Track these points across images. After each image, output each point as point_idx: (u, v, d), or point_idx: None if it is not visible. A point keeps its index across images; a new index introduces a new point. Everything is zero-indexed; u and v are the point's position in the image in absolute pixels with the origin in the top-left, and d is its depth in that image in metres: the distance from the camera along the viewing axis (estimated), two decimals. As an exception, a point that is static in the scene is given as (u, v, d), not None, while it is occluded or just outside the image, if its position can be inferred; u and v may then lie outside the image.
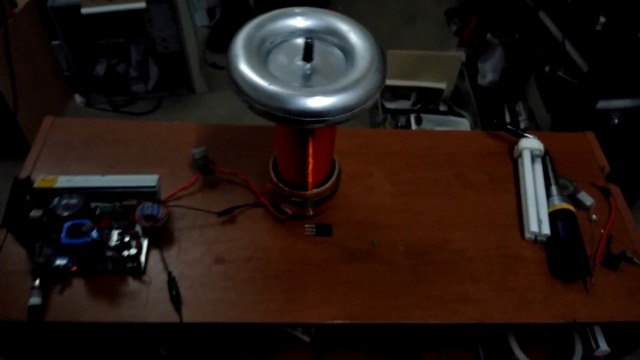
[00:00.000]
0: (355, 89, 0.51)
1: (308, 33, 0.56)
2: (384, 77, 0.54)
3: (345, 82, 0.51)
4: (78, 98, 2.21)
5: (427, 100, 2.05)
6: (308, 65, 0.54)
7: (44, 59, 2.02)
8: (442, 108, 2.04)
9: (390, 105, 2.06)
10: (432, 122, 1.94)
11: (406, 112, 2.00)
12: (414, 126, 1.90)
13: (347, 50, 0.55)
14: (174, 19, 1.99)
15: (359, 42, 0.55)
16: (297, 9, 0.56)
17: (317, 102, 0.50)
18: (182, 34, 2.04)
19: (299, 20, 0.56)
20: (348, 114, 0.51)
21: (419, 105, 2.04)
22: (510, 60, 1.97)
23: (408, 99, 2.07)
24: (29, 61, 1.89)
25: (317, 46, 0.55)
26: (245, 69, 0.51)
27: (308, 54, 0.53)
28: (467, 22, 2.37)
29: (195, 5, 2.19)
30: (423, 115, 1.94)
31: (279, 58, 0.55)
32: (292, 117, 0.50)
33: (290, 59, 0.55)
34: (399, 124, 1.98)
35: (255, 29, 0.54)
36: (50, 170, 0.73)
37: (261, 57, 0.53)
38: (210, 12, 2.35)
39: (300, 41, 0.55)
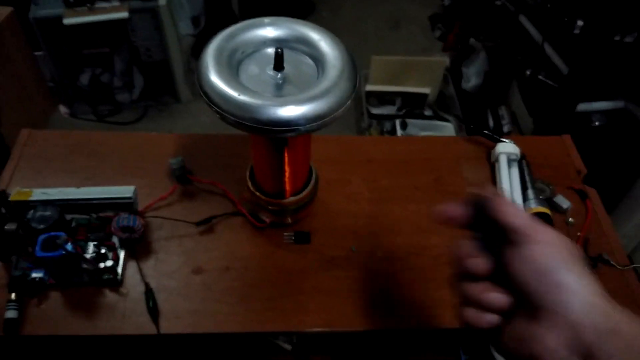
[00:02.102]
0: (326, 97, 0.51)
1: (279, 43, 0.56)
2: (354, 86, 0.54)
3: (316, 91, 0.52)
4: (62, 108, 2.21)
5: (412, 105, 2.07)
6: (279, 75, 0.54)
7: (27, 70, 2.01)
8: (427, 113, 2.06)
9: (375, 110, 2.07)
10: (417, 127, 1.95)
11: (391, 118, 2.02)
12: (399, 131, 1.91)
13: (318, 58, 0.56)
14: (158, 28, 2.00)
15: (329, 51, 0.55)
16: (266, 19, 0.57)
17: (287, 111, 0.50)
18: (166, 43, 2.04)
19: (269, 30, 0.56)
20: (319, 122, 0.51)
21: (404, 111, 2.05)
22: (493, 65, 1.99)
23: (393, 104, 2.09)
24: (12, 72, 1.89)
25: (289, 55, 0.55)
26: (215, 79, 0.51)
27: (278, 63, 0.54)
28: (451, 27, 2.39)
29: (179, 14, 2.19)
30: (408, 121, 1.95)
31: (250, 68, 0.55)
32: (263, 127, 0.50)
33: (261, 69, 0.55)
34: (385, 130, 1.99)
35: (225, 39, 0.55)
36: (27, 183, 0.72)
37: (232, 67, 0.54)
38: (195, 21, 2.36)
39: (271, 51, 0.56)
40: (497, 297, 0.40)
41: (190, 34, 2.34)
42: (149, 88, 2.24)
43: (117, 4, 1.89)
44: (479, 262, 0.41)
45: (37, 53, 2.04)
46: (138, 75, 2.19)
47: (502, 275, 0.39)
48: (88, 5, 1.87)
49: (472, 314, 0.41)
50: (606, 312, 0.36)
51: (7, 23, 1.85)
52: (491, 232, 0.41)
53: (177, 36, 2.09)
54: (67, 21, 1.85)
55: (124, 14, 1.88)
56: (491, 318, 0.40)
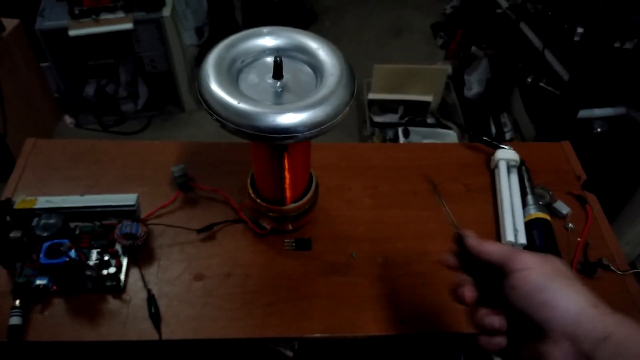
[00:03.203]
0: (324, 105, 0.52)
1: (278, 52, 0.57)
2: (352, 93, 0.55)
3: (314, 98, 0.52)
4: (68, 119, 2.23)
5: (415, 113, 2.07)
6: (278, 83, 0.55)
7: (33, 80, 2.04)
8: (430, 120, 2.07)
9: (378, 119, 2.08)
10: (419, 135, 1.96)
11: (394, 126, 2.02)
12: (401, 139, 1.91)
13: (316, 67, 0.56)
14: (162, 39, 2.02)
15: (327, 59, 0.56)
16: (265, 29, 0.58)
17: (286, 118, 0.51)
18: (170, 53, 2.06)
19: (268, 40, 0.57)
20: (317, 129, 0.52)
21: (406, 118, 2.06)
22: (495, 72, 2.00)
23: (396, 112, 2.09)
24: (18, 83, 1.91)
25: (288, 64, 0.56)
26: (215, 88, 0.52)
27: (277, 71, 0.55)
28: (453, 36, 2.40)
29: (183, 25, 2.21)
30: (411, 128, 1.96)
31: (250, 77, 0.57)
32: (262, 134, 0.51)
33: (261, 78, 0.56)
34: (387, 138, 2.00)
35: (225, 49, 0.56)
36: (31, 192, 0.73)
37: (232, 76, 0.55)
38: (199, 31, 2.38)
39: (270, 60, 0.57)
40: (494, 319, 0.44)
41: (194, 44, 2.36)
42: (154, 98, 2.26)
43: (121, 15, 1.92)
44: (465, 291, 0.46)
45: (43, 64, 2.06)
46: (142, 86, 2.21)
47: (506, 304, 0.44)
48: (93, 16, 1.89)
49: (483, 339, 0.45)
50: (597, 320, 0.38)
51: (14, 35, 1.88)
52: (482, 268, 0.46)
53: (181, 47, 2.11)
54: (72, 32, 1.87)
55: (128, 25, 1.90)
56: (498, 340, 0.44)
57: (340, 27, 2.79)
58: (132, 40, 2.04)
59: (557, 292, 0.40)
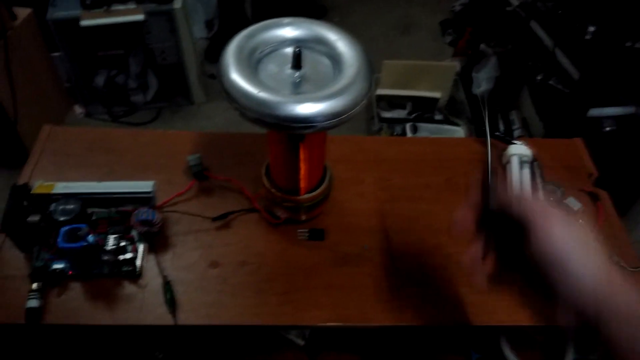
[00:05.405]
0: (342, 95, 0.53)
1: (297, 42, 0.58)
2: (370, 84, 0.55)
3: (333, 89, 0.53)
4: (78, 109, 2.24)
5: (423, 110, 2.07)
6: (297, 74, 0.56)
7: (44, 70, 2.05)
8: (438, 117, 2.07)
9: (386, 114, 2.08)
10: (427, 131, 1.96)
11: (402, 121, 2.03)
12: (409, 135, 1.92)
13: (335, 58, 0.57)
14: (173, 31, 2.02)
15: (346, 51, 0.56)
16: (286, 20, 0.58)
17: (305, 108, 0.51)
18: (181, 45, 2.07)
19: (288, 30, 0.58)
20: (336, 119, 0.53)
21: (414, 115, 2.06)
22: (504, 70, 2.00)
23: (404, 108, 2.10)
24: (29, 72, 1.92)
25: (306, 55, 0.57)
26: (236, 77, 0.53)
27: (297, 62, 0.55)
28: (462, 33, 2.40)
29: (193, 18, 2.22)
30: (419, 124, 1.96)
31: (269, 67, 0.57)
32: (281, 123, 0.52)
33: (280, 68, 0.57)
34: (395, 133, 2.00)
35: (245, 39, 0.56)
36: (47, 178, 0.74)
37: (252, 66, 0.55)
38: (209, 24, 2.39)
39: (289, 50, 0.57)
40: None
41: (203, 37, 2.37)
42: (163, 90, 2.27)
43: (133, 6, 1.92)
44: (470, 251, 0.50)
45: (54, 54, 2.07)
46: (152, 77, 2.22)
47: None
48: (105, 7, 1.90)
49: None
50: (607, 280, 0.42)
51: (26, 24, 1.89)
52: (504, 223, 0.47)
53: (192, 39, 2.12)
54: (84, 23, 1.88)
55: (139, 17, 1.91)
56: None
57: (349, 23, 2.79)
58: (142, 32, 2.05)
59: (579, 263, 0.42)
